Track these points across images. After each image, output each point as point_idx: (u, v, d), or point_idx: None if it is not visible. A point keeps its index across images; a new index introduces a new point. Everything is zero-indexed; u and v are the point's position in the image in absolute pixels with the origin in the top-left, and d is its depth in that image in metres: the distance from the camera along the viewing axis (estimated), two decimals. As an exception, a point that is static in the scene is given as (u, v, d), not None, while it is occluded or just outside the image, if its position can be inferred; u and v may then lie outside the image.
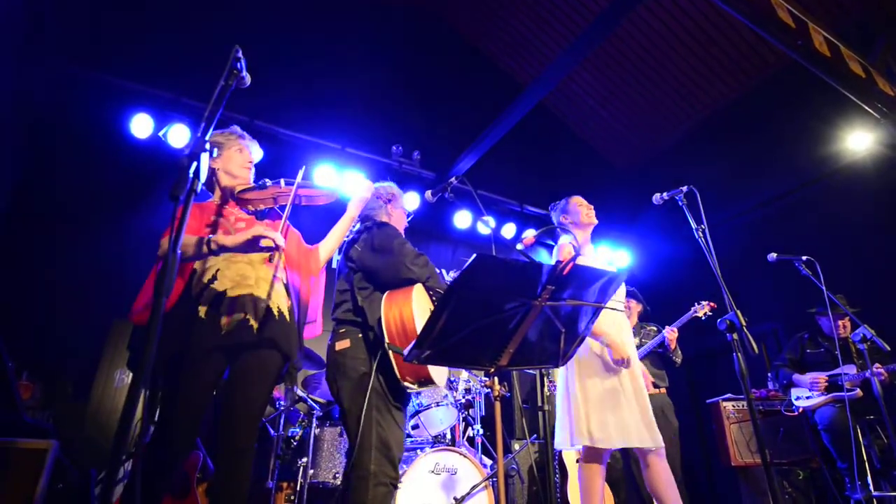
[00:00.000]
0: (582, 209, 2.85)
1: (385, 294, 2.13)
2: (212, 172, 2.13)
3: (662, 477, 2.41)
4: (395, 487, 2.03)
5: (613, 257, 5.37)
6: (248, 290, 1.88)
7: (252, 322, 1.86)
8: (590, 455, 2.45)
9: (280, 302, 1.96)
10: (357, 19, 5.69)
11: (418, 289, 2.15)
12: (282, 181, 2.06)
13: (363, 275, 2.24)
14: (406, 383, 2.03)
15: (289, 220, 2.15)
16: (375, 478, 1.94)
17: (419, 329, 1.92)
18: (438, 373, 2.05)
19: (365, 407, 2.03)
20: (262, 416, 1.91)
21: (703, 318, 3.84)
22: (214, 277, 1.89)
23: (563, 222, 2.92)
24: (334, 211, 2.34)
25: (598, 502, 2.41)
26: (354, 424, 2.01)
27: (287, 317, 1.97)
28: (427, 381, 2.03)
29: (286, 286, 2.04)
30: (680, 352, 3.98)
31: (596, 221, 2.85)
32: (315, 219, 2.78)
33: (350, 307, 2.20)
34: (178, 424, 1.75)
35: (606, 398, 2.42)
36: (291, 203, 2.01)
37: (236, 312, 1.85)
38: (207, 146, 2.06)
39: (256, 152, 2.26)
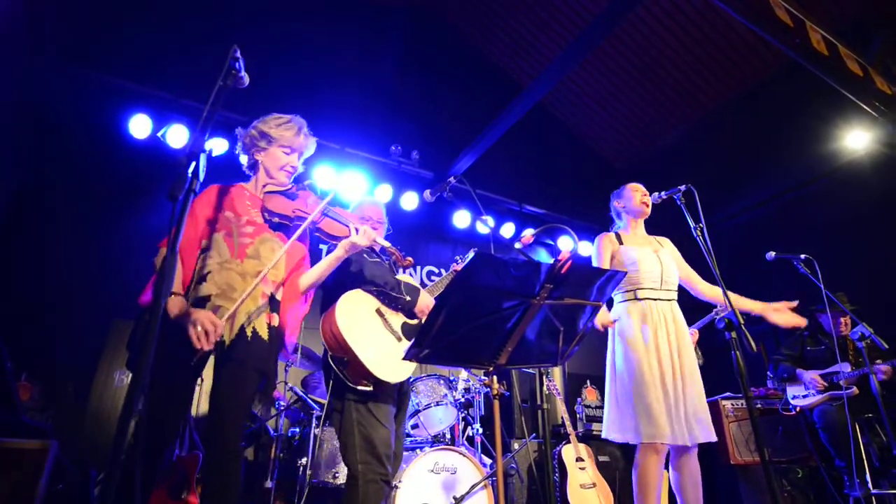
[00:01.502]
0: (636, 195, 2.77)
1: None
2: (254, 163, 2.07)
3: (695, 476, 2.38)
4: (388, 483, 2.03)
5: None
6: (230, 304, 1.77)
7: (225, 338, 1.76)
8: (646, 448, 2.37)
9: (259, 322, 1.85)
10: (356, 19, 5.69)
11: (350, 294, 2.14)
12: (310, 198, 2.00)
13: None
14: (361, 387, 2.03)
15: (308, 239, 2.12)
16: (364, 476, 1.97)
17: (348, 339, 1.99)
18: (385, 370, 2.03)
19: (344, 408, 2.08)
20: (241, 425, 1.82)
21: (717, 319, 3.82)
22: (204, 278, 1.82)
23: (616, 207, 2.86)
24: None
25: (655, 498, 2.32)
26: (338, 425, 2.08)
27: (265, 336, 1.85)
28: (376, 380, 2.02)
29: (272, 300, 1.94)
30: (700, 353, 3.97)
31: (648, 210, 2.76)
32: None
33: None
34: (152, 422, 1.69)
35: (657, 394, 2.35)
36: (306, 226, 1.94)
37: None
38: (250, 137, 2.05)
39: (308, 152, 2.15)
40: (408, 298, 2.22)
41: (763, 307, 2.50)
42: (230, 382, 1.77)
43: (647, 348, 2.44)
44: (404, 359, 1.57)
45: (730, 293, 2.14)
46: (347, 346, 1.99)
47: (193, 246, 1.86)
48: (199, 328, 1.65)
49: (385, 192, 5.07)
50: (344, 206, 2.46)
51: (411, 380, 2.34)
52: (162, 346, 1.72)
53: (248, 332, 1.81)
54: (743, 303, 2.50)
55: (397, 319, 2.23)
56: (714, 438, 2.36)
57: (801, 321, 2.45)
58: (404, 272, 2.48)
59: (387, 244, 2.17)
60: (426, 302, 2.26)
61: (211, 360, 1.81)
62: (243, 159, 2.12)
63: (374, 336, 2.10)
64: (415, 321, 2.28)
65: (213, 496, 1.72)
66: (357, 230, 2.04)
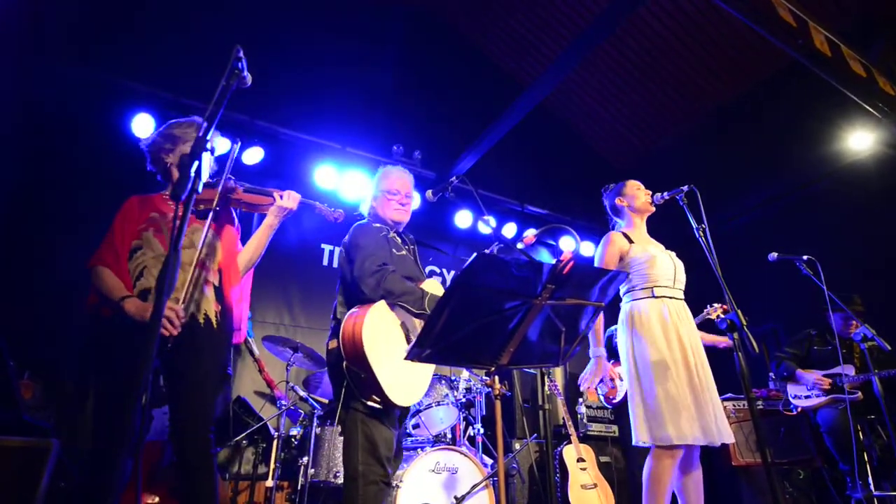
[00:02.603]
0: (640, 193, 2.72)
1: (348, 313, 2.05)
2: (165, 168, 2.10)
3: (697, 477, 2.35)
4: (388, 485, 2.02)
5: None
6: (173, 293, 1.80)
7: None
8: (662, 451, 2.30)
9: (207, 307, 1.90)
10: (358, 19, 5.69)
11: (377, 308, 2.03)
12: (231, 181, 2.02)
13: (340, 284, 2.23)
14: (370, 402, 2.00)
15: (237, 222, 2.15)
16: (364, 477, 1.94)
17: (370, 357, 1.92)
18: (400, 393, 1.98)
19: (349, 408, 2.05)
20: (209, 413, 1.82)
21: (717, 320, 3.81)
22: (141, 274, 1.85)
23: (618, 205, 2.78)
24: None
25: (665, 502, 2.26)
26: (342, 424, 2.05)
27: (214, 323, 1.90)
28: (388, 401, 1.96)
29: (217, 289, 1.97)
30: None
31: (654, 209, 2.71)
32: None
33: (336, 309, 2.20)
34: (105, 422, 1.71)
35: (686, 392, 2.29)
36: (217, 204, 1.94)
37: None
38: (157, 142, 2.08)
39: (219, 146, 2.21)
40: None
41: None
42: (192, 369, 1.79)
43: (669, 347, 2.36)
44: (406, 358, 1.57)
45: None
46: (368, 365, 1.92)
47: (122, 252, 1.90)
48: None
49: (386, 191, 5.07)
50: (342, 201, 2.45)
51: None
52: (114, 344, 1.74)
53: (200, 318, 1.86)
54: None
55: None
56: (733, 439, 2.32)
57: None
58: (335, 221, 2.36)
59: (313, 202, 2.19)
60: None
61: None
62: (155, 169, 2.16)
63: (394, 355, 2.01)
64: None
65: (185, 490, 1.74)
66: (281, 196, 2.09)
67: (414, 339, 2.05)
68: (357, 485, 1.93)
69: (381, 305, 2.05)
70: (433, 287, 2.22)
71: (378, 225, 2.32)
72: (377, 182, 2.42)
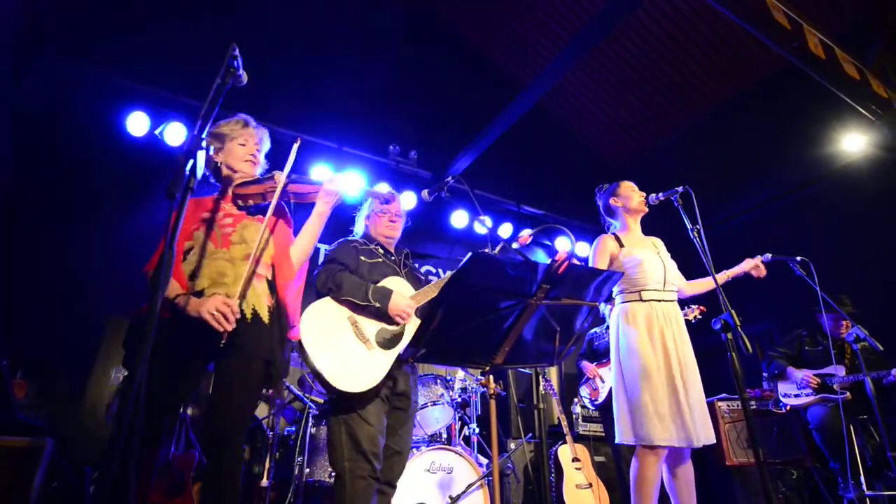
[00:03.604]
0: (634, 195, 2.75)
1: None
2: (216, 167, 2.09)
3: (689, 477, 2.38)
4: (377, 480, 2.03)
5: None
6: (223, 290, 1.79)
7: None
8: (646, 450, 2.34)
9: (258, 302, 1.86)
10: (354, 18, 5.68)
11: (320, 302, 2.15)
12: (277, 174, 2.01)
13: None
14: (332, 395, 2.06)
15: (289, 215, 2.12)
16: (351, 473, 1.98)
17: (309, 351, 1.99)
18: (347, 380, 2.01)
19: (331, 409, 2.11)
20: (246, 418, 1.83)
21: (693, 321, 3.84)
22: (195, 274, 1.83)
23: (612, 205, 2.81)
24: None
25: (653, 500, 2.29)
26: (327, 425, 2.09)
27: (266, 318, 1.86)
28: (330, 388, 2.01)
29: (270, 283, 1.94)
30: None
31: (647, 209, 2.74)
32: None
33: None
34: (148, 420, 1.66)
35: (664, 395, 2.34)
36: (278, 197, 1.95)
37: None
38: (206, 141, 2.07)
39: (265, 142, 2.19)
40: (377, 305, 2.13)
41: (738, 268, 2.75)
42: (233, 371, 1.76)
43: (654, 350, 2.42)
44: (401, 357, 1.57)
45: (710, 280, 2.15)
46: (307, 355, 1.99)
47: (177, 254, 1.87)
48: (215, 312, 1.68)
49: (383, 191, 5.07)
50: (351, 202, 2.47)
51: (411, 380, 2.29)
52: (167, 342, 1.71)
53: (248, 313, 1.82)
54: (721, 277, 2.62)
55: (372, 326, 2.17)
56: (714, 440, 2.36)
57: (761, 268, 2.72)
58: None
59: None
60: (398, 304, 2.16)
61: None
62: (204, 169, 2.13)
63: (338, 345, 2.06)
64: (394, 326, 2.20)
65: (212, 497, 1.71)
66: (331, 181, 2.06)
67: (361, 331, 2.11)
68: (344, 481, 1.97)
69: (326, 300, 2.15)
70: (394, 283, 2.27)
71: (356, 240, 2.44)
72: (371, 202, 2.55)
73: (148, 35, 4.30)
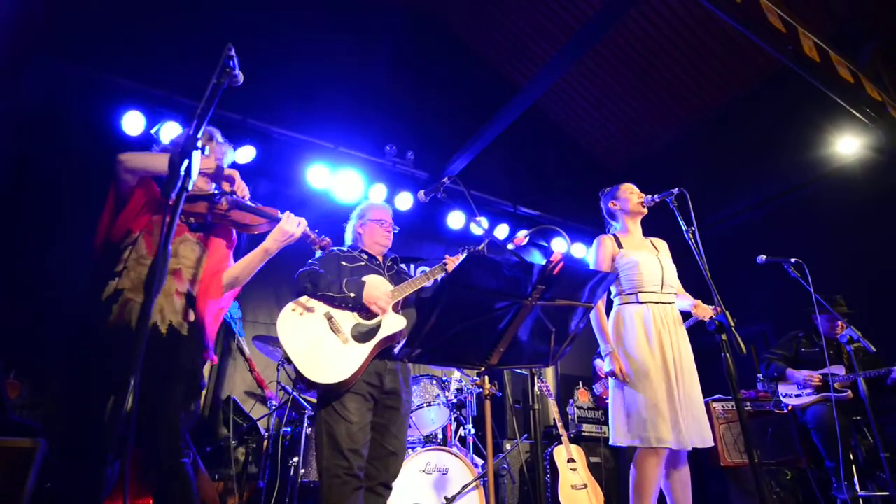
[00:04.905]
0: (632, 197, 2.76)
1: None
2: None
3: (685, 478, 2.39)
4: (356, 477, 2.03)
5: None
6: (140, 298, 1.71)
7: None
8: (647, 452, 2.35)
9: (172, 317, 1.78)
10: (353, 17, 5.68)
11: (298, 300, 2.21)
12: (224, 200, 1.95)
13: None
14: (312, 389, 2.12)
15: (234, 238, 2.10)
16: (328, 472, 2.01)
17: (285, 344, 2.08)
18: (318, 371, 2.05)
19: (317, 410, 2.16)
20: (176, 421, 1.74)
21: (708, 321, 3.83)
22: (120, 274, 1.76)
23: (612, 208, 2.84)
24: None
25: (651, 502, 2.31)
26: (314, 427, 2.13)
27: (183, 331, 1.79)
28: (305, 380, 2.07)
29: (191, 298, 1.86)
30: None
31: (645, 210, 2.76)
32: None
33: None
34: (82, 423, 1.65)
35: (663, 397, 2.35)
36: (218, 220, 1.92)
37: (123, 317, 1.71)
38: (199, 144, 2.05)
39: (228, 157, 2.14)
40: (352, 295, 2.19)
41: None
42: (155, 380, 1.68)
43: (651, 352, 2.43)
44: (396, 357, 1.58)
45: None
46: (283, 348, 2.08)
47: (123, 225, 1.87)
48: None
49: (379, 191, 5.06)
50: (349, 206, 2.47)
51: (399, 377, 2.30)
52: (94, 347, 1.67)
53: (163, 328, 1.75)
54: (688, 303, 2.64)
55: (349, 320, 2.20)
56: (711, 443, 2.37)
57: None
58: (322, 252, 2.41)
59: (311, 233, 2.19)
60: (371, 293, 2.21)
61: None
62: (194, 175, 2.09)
63: (313, 339, 2.11)
64: (372, 320, 2.22)
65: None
66: (286, 217, 2.05)
67: (336, 325, 2.16)
68: (322, 479, 2.02)
69: (303, 298, 2.23)
70: (372, 279, 2.32)
71: (341, 249, 2.48)
72: (365, 213, 2.59)
73: (144, 34, 4.29)
